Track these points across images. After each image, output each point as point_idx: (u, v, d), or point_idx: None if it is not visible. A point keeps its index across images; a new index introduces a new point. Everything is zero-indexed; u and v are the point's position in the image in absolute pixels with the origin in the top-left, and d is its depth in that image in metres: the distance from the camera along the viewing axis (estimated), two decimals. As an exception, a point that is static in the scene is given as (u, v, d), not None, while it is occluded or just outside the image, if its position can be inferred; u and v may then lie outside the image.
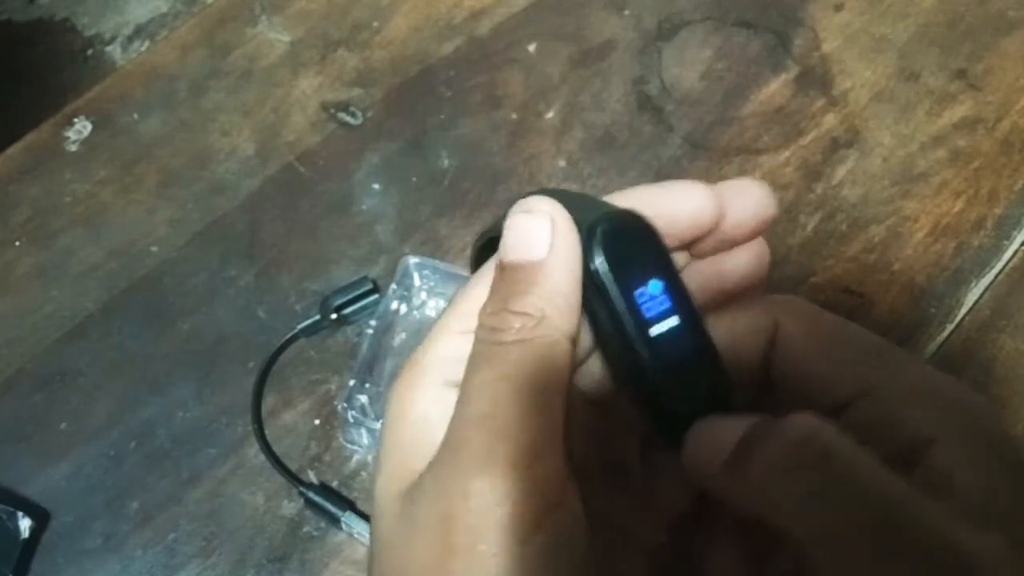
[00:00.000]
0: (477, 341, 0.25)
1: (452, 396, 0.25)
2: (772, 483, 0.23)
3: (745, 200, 0.27)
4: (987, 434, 0.24)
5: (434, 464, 0.25)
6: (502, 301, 0.25)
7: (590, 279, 0.25)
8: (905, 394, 0.25)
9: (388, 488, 0.25)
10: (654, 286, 0.25)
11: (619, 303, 0.24)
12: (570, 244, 0.25)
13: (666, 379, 0.25)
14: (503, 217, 0.27)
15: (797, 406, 0.24)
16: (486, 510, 0.23)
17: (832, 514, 0.22)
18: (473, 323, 0.26)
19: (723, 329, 0.27)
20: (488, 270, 0.26)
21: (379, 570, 0.25)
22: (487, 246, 0.28)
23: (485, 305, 0.26)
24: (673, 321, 0.25)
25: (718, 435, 0.24)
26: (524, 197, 0.26)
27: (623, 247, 0.25)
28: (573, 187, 0.57)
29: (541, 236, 0.25)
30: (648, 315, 0.25)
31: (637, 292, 0.25)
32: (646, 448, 0.28)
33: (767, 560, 0.27)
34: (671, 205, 0.26)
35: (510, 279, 0.25)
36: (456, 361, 0.26)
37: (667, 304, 0.25)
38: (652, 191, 0.27)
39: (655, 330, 0.25)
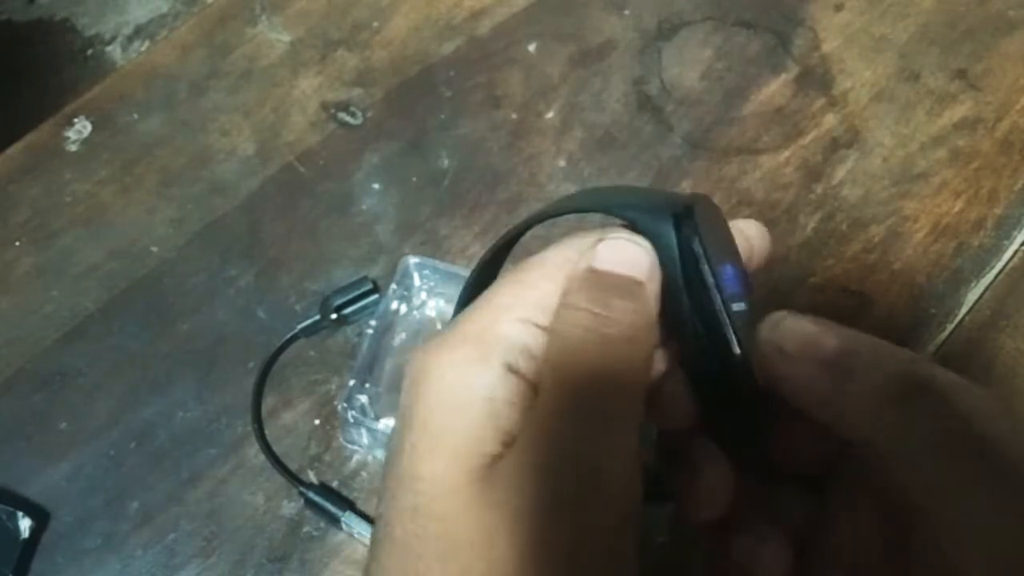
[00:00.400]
0: (571, 326, 0.25)
1: (512, 382, 0.25)
2: (880, 401, 0.24)
3: (760, 240, 0.29)
4: None
5: (521, 454, 0.25)
6: (605, 291, 0.25)
7: (681, 256, 0.26)
8: (951, 384, 0.26)
9: (457, 469, 0.25)
10: (730, 269, 0.26)
11: (709, 278, 0.25)
12: (659, 283, 0.26)
13: (742, 355, 0.26)
14: (529, 218, 0.28)
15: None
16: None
17: (940, 440, 0.23)
18: (538, 316, 0.26)
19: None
20: (554, 270, 0.26)
21: (436, 551, 0.25)
22: (509, 245, 0.29)
23: (574, 293, 0.26)
24: (743, 304, 0.26)
25: (815, 333, 0.25)
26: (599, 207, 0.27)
27: (710, 228, 0.26)
28: (572, 188, 0.57)
29: (643, 263, 0.26)
30: (728, 292, 0.26)
31: (720, 270, 0.26)
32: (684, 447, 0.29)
33: (817, 553, 0.28)
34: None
35: (610, 283, 0.25)
36: (519, 348, 0.26)
37: (738, 288, 0.26)
38: None
39: (735, 307, 0.26)
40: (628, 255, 0.26)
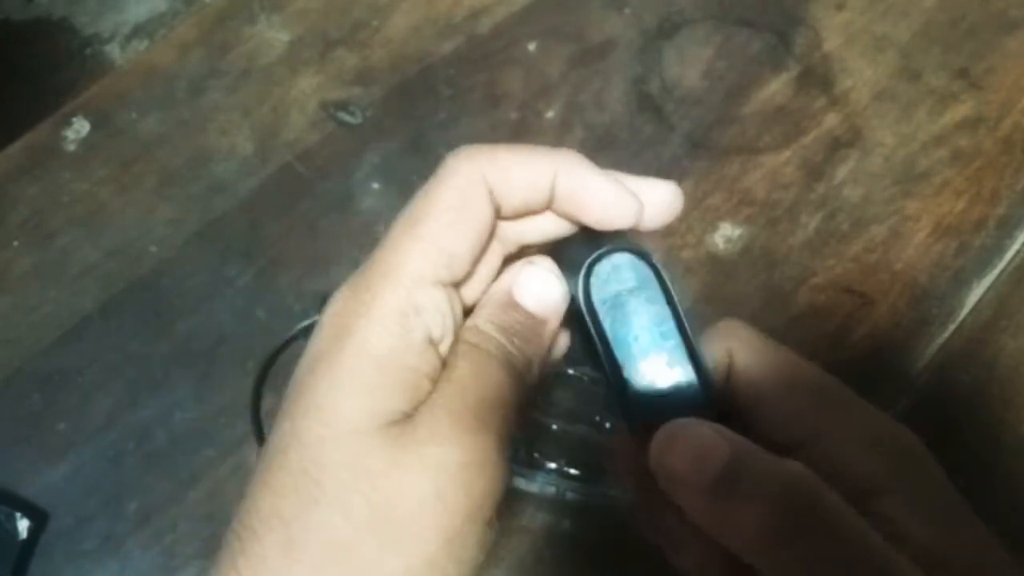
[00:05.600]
0: (487, 344, 0.28)
1: (431, 355, 0.27)
2: (759, 528, 0.23)
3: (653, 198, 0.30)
4: (931, 483, 0.26)
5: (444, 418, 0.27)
6: (518, 338, 0.28)
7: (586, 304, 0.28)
8: (854, 442, 0.26)
9: (371, 415, 0.27)
10: (643, 320, 0.27)
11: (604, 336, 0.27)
12: (561, 317, 0.29)
13: (642, 410, 0.27)
14: (567, 241, 0.30)
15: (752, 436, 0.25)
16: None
17: (813, 562, 0.23)
18: (447, 274, 0.28)
19: None
20: (452, 215, 0.29)
21: (338, 479, 0.26)
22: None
23: (494, 317, 0.28)
24: (663, 352, 0.27)
25: (703, 448, 0.24)
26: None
27: (611, 285, 0.28)
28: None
29: (552, 301, 0.29)
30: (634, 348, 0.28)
31: (625, 325, 0.27)
32: None
33: None
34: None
35: (521, 319, 0.28)
36: (440, 320, 0.28)
37: (655, 336, 0.28)
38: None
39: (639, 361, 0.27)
40: (543, 291, 0.29)
